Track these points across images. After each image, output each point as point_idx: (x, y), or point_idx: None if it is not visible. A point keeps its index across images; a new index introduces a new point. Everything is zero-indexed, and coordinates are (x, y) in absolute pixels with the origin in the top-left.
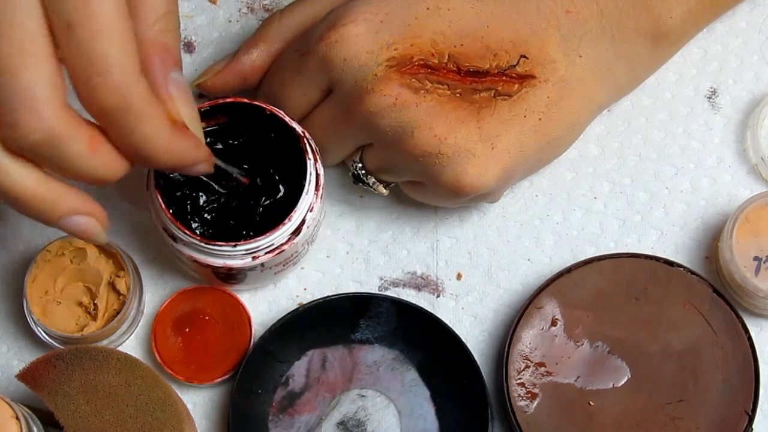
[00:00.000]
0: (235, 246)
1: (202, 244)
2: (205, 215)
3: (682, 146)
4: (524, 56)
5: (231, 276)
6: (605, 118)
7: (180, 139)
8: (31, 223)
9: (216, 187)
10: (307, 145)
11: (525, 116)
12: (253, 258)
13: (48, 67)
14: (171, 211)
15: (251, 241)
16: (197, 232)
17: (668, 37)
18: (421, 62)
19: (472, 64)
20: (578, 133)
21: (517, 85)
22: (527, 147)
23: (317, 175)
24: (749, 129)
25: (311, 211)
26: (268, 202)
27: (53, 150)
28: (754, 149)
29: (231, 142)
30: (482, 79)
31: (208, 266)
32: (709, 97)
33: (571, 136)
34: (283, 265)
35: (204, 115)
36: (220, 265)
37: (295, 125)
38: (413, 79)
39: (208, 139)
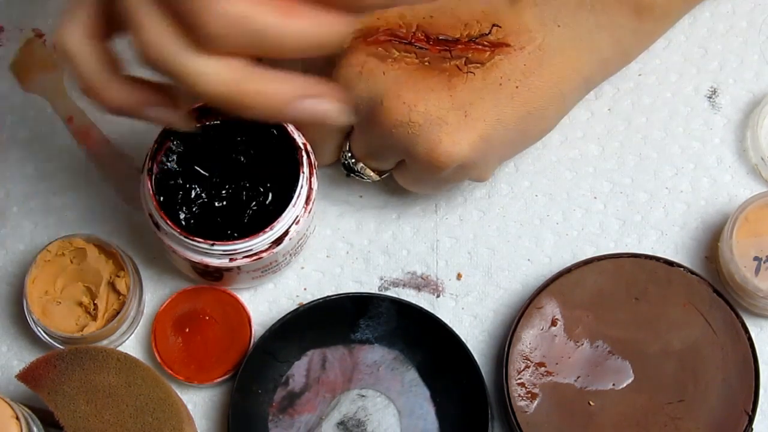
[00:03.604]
0: (212, 245)
1: (182, 237)
2: (194, 208)
3: (682, 146)
4: (497, 25)
5: (208, 273)
6: (605, 117)
7: None
8: (31, 222)
9: (202, 171)
10: (304, 158)
11: (500, 84)
12: (231, 260)
13: None
14: (160, 199)
15: (229, 243)
16: (182, 223)
17: (652, 9)
18: (388, 32)
19: (441, 33)
20: (563, 107)
21: (488, 53)
22: (506, 116)
23: (309, 189)
24: (749, 129)
25: (297, 224)
26: (257, 207)
27: (247, 27)
28: (754, 149)
29: (229, 140)
30: (452, 46)
31: (186, 259)
32: (710, 97)
33: (556, 108)
34: (262, 272)
35: (204, 113)
36: (197, 261)
37: (296, 135)
38: (380, 48)
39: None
